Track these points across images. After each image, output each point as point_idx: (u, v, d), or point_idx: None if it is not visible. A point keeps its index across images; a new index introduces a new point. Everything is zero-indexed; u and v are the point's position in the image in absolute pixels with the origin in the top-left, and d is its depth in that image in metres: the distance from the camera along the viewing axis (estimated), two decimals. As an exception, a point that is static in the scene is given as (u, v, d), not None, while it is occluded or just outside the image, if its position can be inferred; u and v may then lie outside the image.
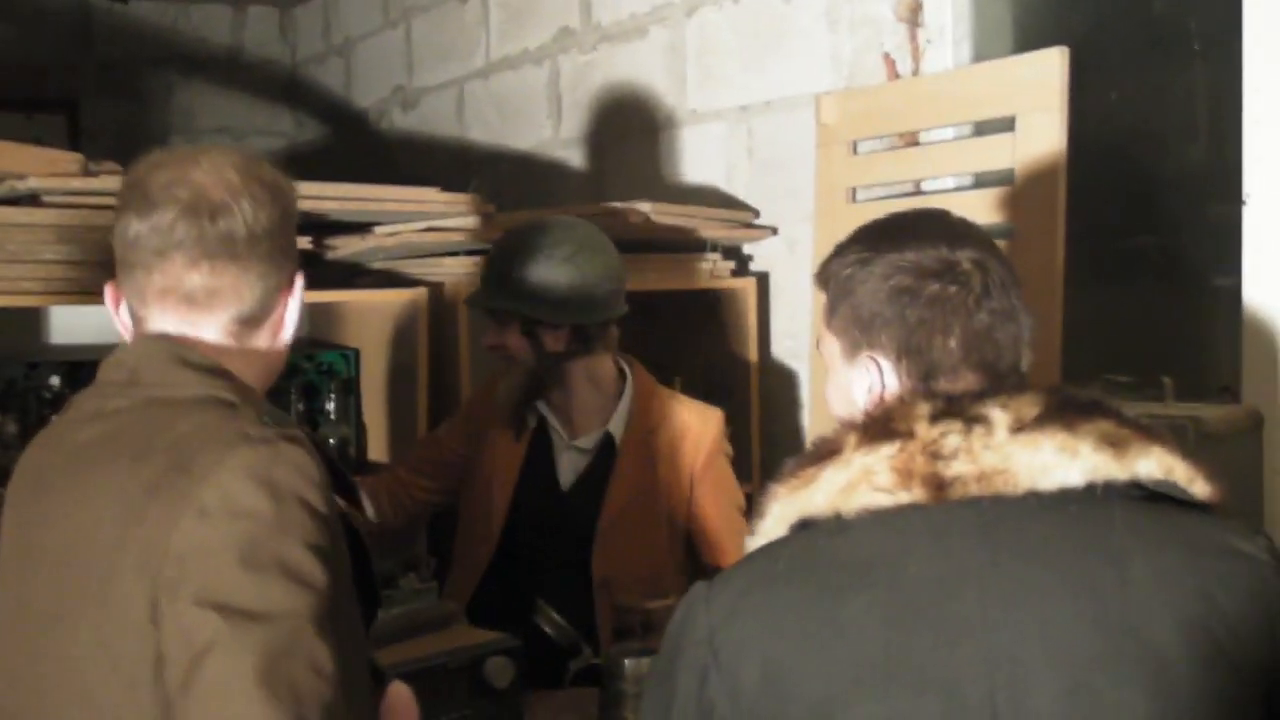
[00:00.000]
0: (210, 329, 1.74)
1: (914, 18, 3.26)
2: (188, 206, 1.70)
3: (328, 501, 1.62)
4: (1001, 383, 1.55)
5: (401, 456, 3.25)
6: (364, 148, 5.88)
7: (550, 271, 2.75)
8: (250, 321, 1.76)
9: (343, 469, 1.81)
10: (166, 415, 1.65)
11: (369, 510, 1.75)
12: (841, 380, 1.64)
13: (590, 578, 2.80)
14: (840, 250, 1.66)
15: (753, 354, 3.55)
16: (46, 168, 2.76)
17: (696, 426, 2.94)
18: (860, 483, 1.44)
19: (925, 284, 1.55)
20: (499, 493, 2.88)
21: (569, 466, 2.90)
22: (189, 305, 1.73)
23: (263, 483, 1.56)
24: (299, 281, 1.81)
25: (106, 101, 6.01)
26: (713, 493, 2.94)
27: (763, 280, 3.59)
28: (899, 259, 1.58)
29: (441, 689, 2.24)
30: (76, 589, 1.60)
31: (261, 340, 1.79)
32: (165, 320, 1.74)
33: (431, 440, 3.10)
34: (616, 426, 2.88)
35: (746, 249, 3.65)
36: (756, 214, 3.58)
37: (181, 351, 1.71)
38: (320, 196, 3.15)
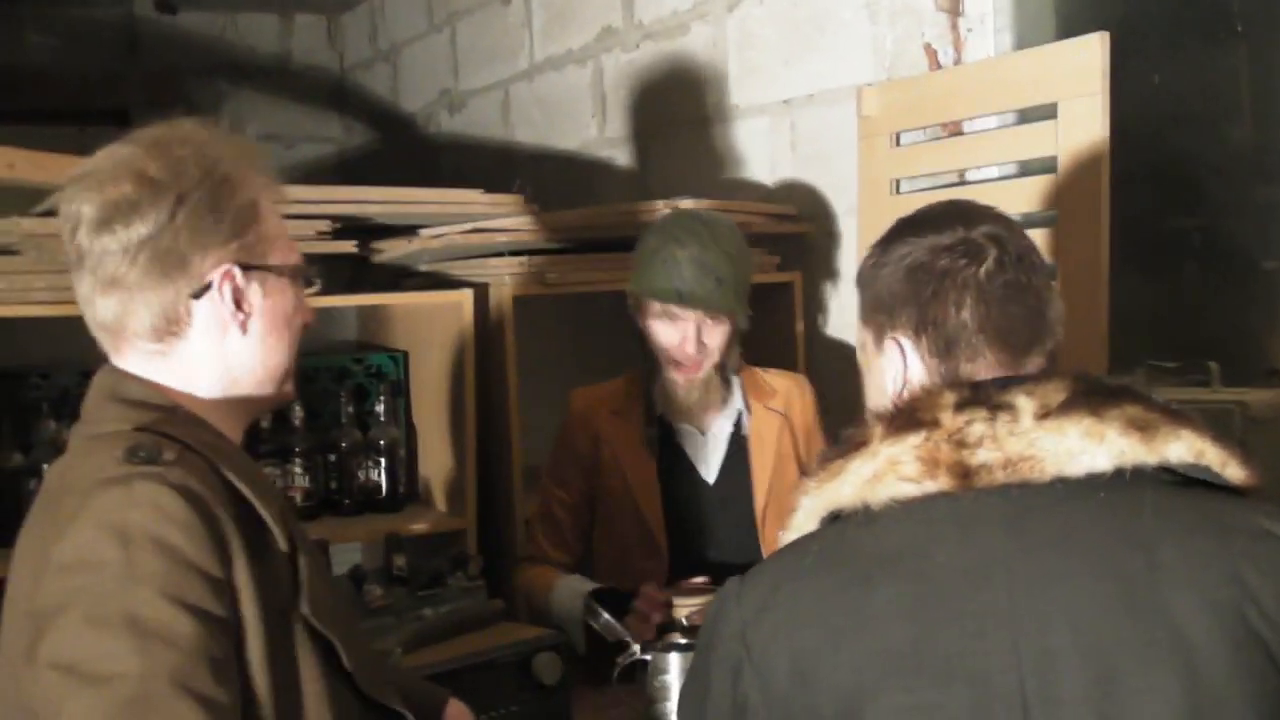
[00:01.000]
0: (131, 354, 1.65)
1: (955, 7, 3.25)
2: (72, 229, 1.61)
3: (205, 541, 1.47)
4: (1021, 361, 1.55)
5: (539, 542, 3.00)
6: (412, 151, 5.92)
7: (745, 264, 2.80)
8: (163, 332, 1.63)
9: (255, 501, 1.59)
10: (79, 456, 1.57)
11: (280, 542, 1.62)
12: (875, 371, 1.65)
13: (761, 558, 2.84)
14: (870, 249, 1.67)
15: (799, 348, 3.54)
16: (95, 178, 2.79)
17: (798, 393, 2.99)
18: (887, 473, 1.45)
19: (938, 259, 1.56)
20: (648, 507, 2.85)
21: (710, 459, 2.90)
22: (107, 333, 1.65)
23: (112, 529, 1.43)
24: (218, 274, 1.63)
25: (157, 112, 5.93)
26: (802, 453, 3.01)
27: (808, 273, 3.58)
28: (917, 242, 1.59)
29: (490, 685, 2.26)
30: None
31: (200, 346, 1.65)
32: (109, 354, 1.68)
33: (550, 510, 2.96)
34: (743, 410, 2.90)
35: (792, 243, 3.64)
36: (800, 208, 3.58)
37: (118, 384, 1.63)
38: (365, 200, 3.17)
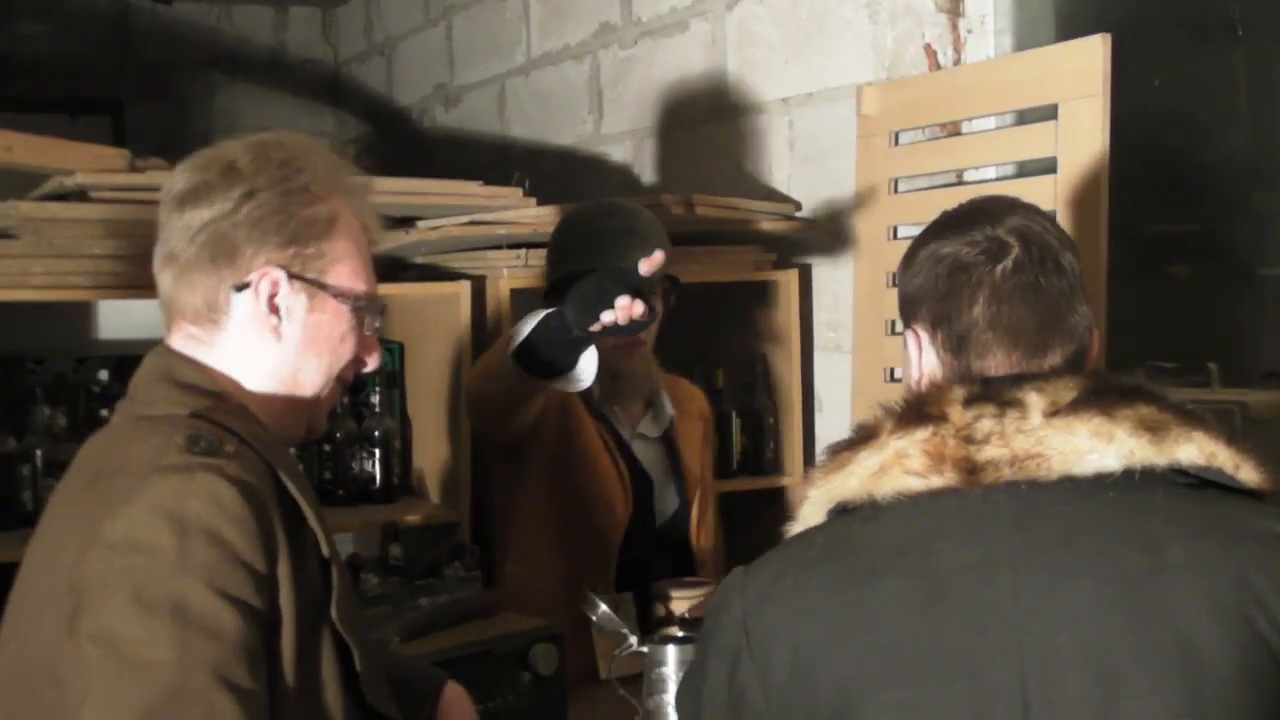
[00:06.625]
0: (177, 335, 1.68)
1: (955, 7, 3.25)
2: (162, 203, 1.67)
3: (255, 537, 1.49)
4: (1035, 360, 1.53)
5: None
6: (406, 146, 5.91)
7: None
8: (204, 318, 1.65)
9: (302, 502, 1.62)
10: (131, 436, 1.58)
11: (324, 547, 1.64)
12: (905, 362, 1.65)
13: (692, 553, 2.87)
14: (911, 243, 1.67)
15: (795, 346, 3.54)
16: (93, 163, 2.79)
17: (699, 395, 3.06)
18: (893, 466, 1.44)
19: (958, 254, 1.56)
20: (617, 498, 2.77)
21: (644, 457, 2.87)
22: (164, 309, 1.69)
23: (169, 516, 1.46)
24: (257, 274, 1.64)
25: (149, 103, 6.06)
26: (711, 457, 3.08)
27: (805, 272, 3.59)
28: (945, 238, 1.59)
29: (487, 675, 2.25)
30: (18, 612, 1.57)
31: (236, 340, 1.66)
32: (165, 331, 1.71)
33: None
34: (673, 415, 2.90)
35: (788, 241, 3.65)
36: (798, 206, 3.58)
37: (171, 366, 1.65)
38: (364, 191, 3.16)
